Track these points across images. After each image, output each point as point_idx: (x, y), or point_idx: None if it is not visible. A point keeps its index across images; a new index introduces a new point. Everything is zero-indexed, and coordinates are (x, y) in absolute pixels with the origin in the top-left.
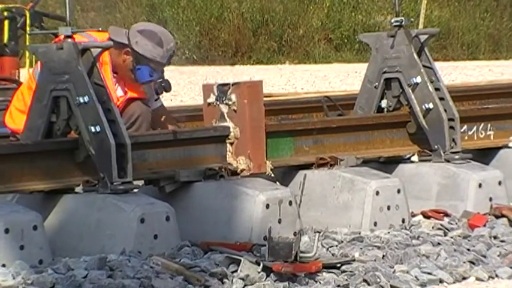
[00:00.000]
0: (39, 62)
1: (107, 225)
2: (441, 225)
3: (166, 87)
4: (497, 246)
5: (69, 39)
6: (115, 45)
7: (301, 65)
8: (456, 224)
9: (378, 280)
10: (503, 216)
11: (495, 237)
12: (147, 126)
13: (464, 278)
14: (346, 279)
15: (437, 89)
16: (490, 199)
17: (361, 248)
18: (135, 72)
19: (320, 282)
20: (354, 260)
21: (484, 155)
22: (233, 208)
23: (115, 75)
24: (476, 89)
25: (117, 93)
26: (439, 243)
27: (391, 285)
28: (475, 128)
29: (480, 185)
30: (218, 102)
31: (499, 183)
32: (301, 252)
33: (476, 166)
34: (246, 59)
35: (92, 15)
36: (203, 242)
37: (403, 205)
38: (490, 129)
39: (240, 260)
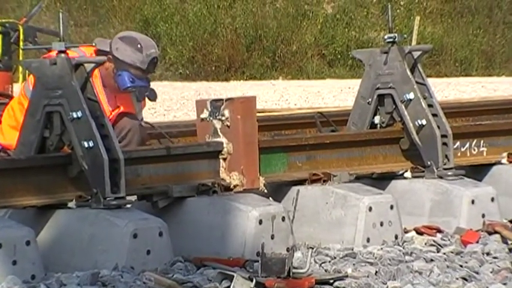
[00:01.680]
0: (29, 79)
1: (100, 241)
2: (434, 241)
3: (151, 96)
4: (490, 263)
5: (63, 54)
6: (100, 54)
7: (295, 80)
8: (449, 240)
9: None
10: (496, 232)
11: (488, 254)
12: (137, 140)
13: None
14: None
15: (430, 105)
16: (483, 215)
17: (354, 264)
18: (116, 78)
19: None
20: (346, 276)
21: (477, 172)
22: (226, 224)
23: (105, 88)
24: (469, 106)
25: (108, 107)
26: (432, 260)
27: None
28: (468, 145)
29: (473, 202)
30: (211, 118)
31: (492, 199)
32: (294, 268)
33: (469, 182)
34: (239, 74)
35: (86, 30)
36: (196, 257)
37: (396, 221)
38: (483, 146)
39: (233, 276)
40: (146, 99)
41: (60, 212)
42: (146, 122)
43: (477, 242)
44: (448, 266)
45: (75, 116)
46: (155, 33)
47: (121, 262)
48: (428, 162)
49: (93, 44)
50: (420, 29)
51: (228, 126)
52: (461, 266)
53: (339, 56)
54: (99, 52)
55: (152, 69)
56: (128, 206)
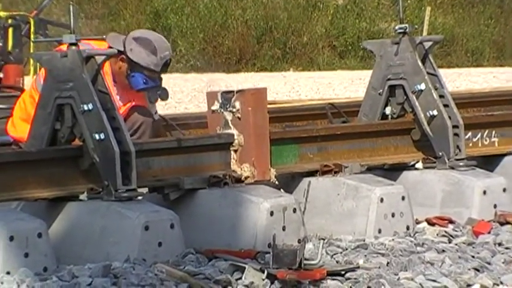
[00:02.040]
0: (40, 72)
1: (112, 233)
2: (446, 232)
3: (163, 95)
4: (502, 253)
5: (74, 47)
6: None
7: (305, 72)
8: (461, 231)
9: (383, 287)
10: (507, 223)
11: (500, 244)
12: (150, 133)
13: (468, 285)
14: (351, 287)
15: (441, 96)
16: (495, 206)
17: (365, 255)
18: (130, 79)
19: None
20: (358, 267)
21: (489, 162)
22: (237, 215)
23: (115, 84)
24: (481, 96)
25: (119, 103)
26: (443, 250)
27: None
28: (479, 135)
29: (485, 192)
30: (222, 110)
31: (504, 190)
32: (306, 259)
33: (480, 173)
34: (250, 66)
35: (96, 22)
36: (207, 249)
37: (407, 212)
38: (494, 136)
39: (245, 268)
40: None
41: (71, 205)
42: (159, 115)
43: (489, 232)
44: (459, 257)
45: (86, 108)
46: (165, 25)
47: (133, 254)
48: (440, 153)
49: (103, 38)
50: (431, 19)
51: (239, 118)
52: (473, 256)
53: (350, 47)
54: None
55: (165, 70)
56: (139, 198)
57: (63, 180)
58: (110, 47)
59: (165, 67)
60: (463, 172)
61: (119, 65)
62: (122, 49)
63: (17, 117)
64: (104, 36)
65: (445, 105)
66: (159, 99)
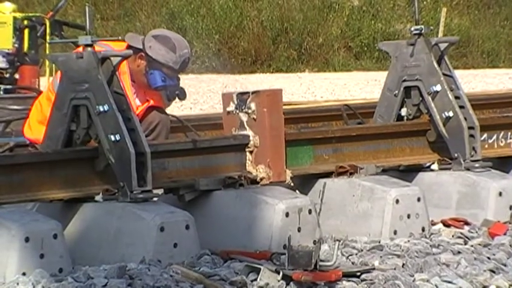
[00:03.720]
0: (58, 73)
1: (127, 234)
2: (461, 233)
3: (181, 95)
4: None
5: (89, 48)
6: (132, 51)
7: (321, 73)
8: (476, 232)
9: None
10: None
11: None
12: (166, 133)
13: (484, 287)
14: None
15: (457, 97)
16: (511, 207)
17: (381, 257)
18: (148, 76)
19: None
20: (373, 269)
21: (504, 164)
22: (253, 217)
23: (133, 83)
24: (497, 97)
25: (136, 102)
26: (459, 252)
27: None
28: (495, 137)
29: (500, 194)
30: (238, 111)
31: None
32: (321, 260)
33: (496, 174)
34: (265, 67)
35: (112, 23)
36: (223, 250)
37: (423, 213)
38: (510, 138)
39: (260, 269)
40: None
41: (87, 206)
42: (173, 116)
43: (505, 234)
44: (475, 258)
45: (101, 109)
46: (181, 26)
47: (148, 255)
48: (456, 154)
49: (119, 38)
50: (447, 20)
51: (255, 119)
52: (488, 258)
53: (365, 48)
54: (130, 48)
55: (184, 69)
56: (155, 199)
57: (79, 181)
58: (129, 46)
59: (184, 65)
60: (479, 173)
61: (137, 63)
62: (141, 47)
63: (34, 119)
64: (120, 37)
65: (461, 107)
66: (176, 99)
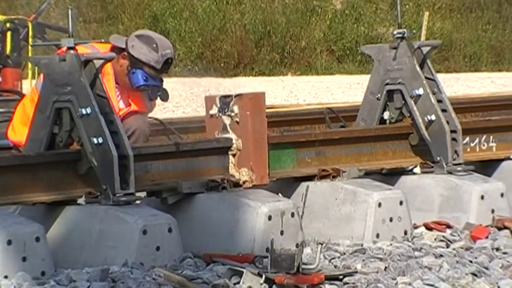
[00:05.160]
0: (41, 76)
1: (109, 237)
2: (443, 237)
3: (163, 96)
4: (500, 258)
5: (72, 51)
6: (115, 51)
7: (304, 76)
8: (458, 235)
9: None
10: (505, 228)
11: (497, 249)
12: (143, 139)
13: None
14: None
15: (439, 101)
16: (492, 211)
17: (363, 260)
18: (130, 76)
19: None
20: (356, 272)
21: (486, 167)
22: (235, 220)
23: (117, 86)
24: (479, 101)
25: (120, 105)
26: (441, 255)
27: None
28: (477, 140)
29: (482, 197)
30: (221, 114)
31: (501, 195)
32: (304, 264)
33: (478, 178)
34: (248, 70)
35: (94, 26)
36: (205, 253)
37: (405, 217)
38: (492, 141)
39: (243, 272)
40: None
41: (69, 209)
42: (155, 119)
43: (487, 237)
44: (457, 262)
45: (84, 112)
46: (164, 29)
47: (131, 258)
48: (438, 158)
49: (102, 40)
50: (429, 24)
51: (237, 122)
52: (470, 261)
53: (348, 52)
54: (114, 49)
55: (166, 70)
56: (138, 202)
57: (61, 184)
58: (114, 47)
59: (166, 66)
60: (461, 177)
61: (120, 63)
62: (124, 46)
63: (18, 121)
64: (103, 40)
65: (443, 110)
66: (158, 99)
